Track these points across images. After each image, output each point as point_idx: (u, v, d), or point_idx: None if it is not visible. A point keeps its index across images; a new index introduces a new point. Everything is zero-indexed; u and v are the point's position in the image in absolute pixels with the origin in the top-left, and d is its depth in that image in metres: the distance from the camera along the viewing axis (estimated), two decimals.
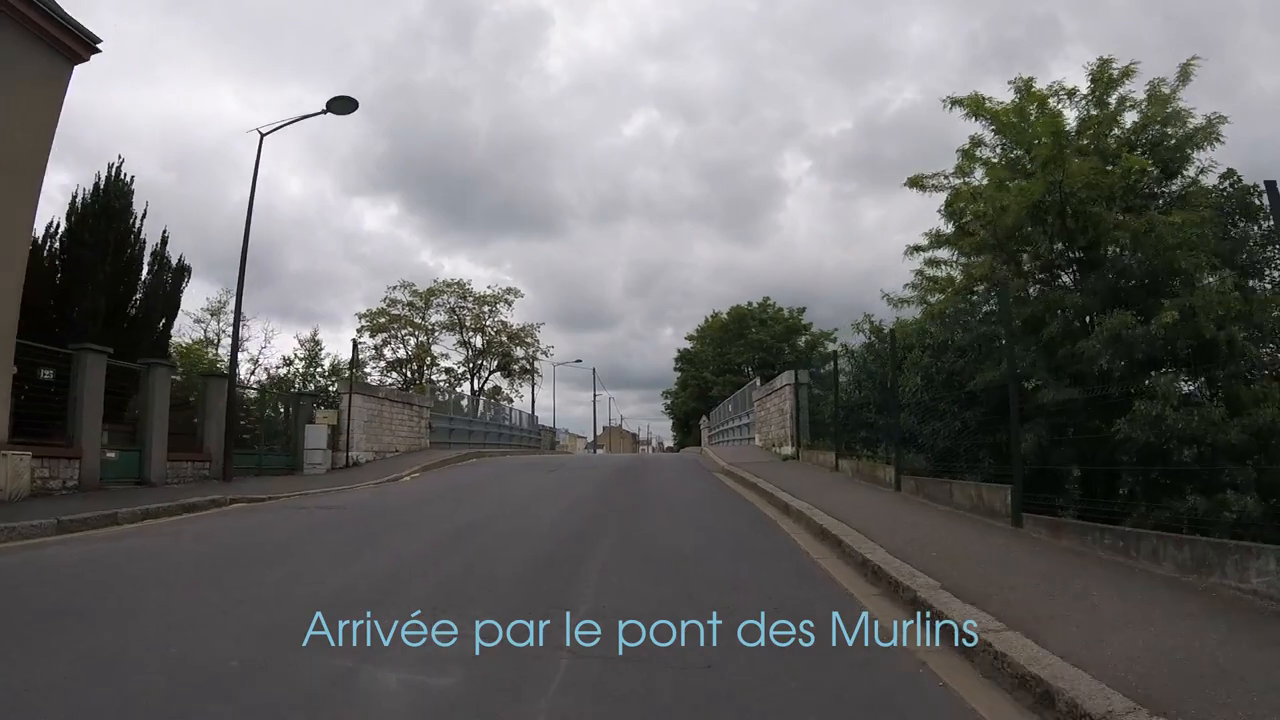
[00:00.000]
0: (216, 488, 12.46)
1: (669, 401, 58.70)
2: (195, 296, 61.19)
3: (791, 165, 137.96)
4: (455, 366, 58.66)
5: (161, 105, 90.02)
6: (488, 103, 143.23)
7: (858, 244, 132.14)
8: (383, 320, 55.28)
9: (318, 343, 23.82)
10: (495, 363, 57.82)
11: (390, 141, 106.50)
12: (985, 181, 11.97)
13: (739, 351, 48.79)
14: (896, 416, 9.92)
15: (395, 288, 55.38)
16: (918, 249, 13.49)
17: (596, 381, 63.63)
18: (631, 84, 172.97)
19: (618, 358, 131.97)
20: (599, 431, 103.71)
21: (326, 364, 32.39)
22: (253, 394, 18.47)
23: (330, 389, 19.79)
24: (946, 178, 13.34)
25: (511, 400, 57.51)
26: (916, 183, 13.36)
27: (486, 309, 57.46)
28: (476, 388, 58.12)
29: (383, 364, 56.58)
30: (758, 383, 21.62)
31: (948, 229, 12.31)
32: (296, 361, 24.55)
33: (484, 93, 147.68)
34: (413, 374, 58.59)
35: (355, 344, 18.95)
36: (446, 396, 32.01)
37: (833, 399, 12.97)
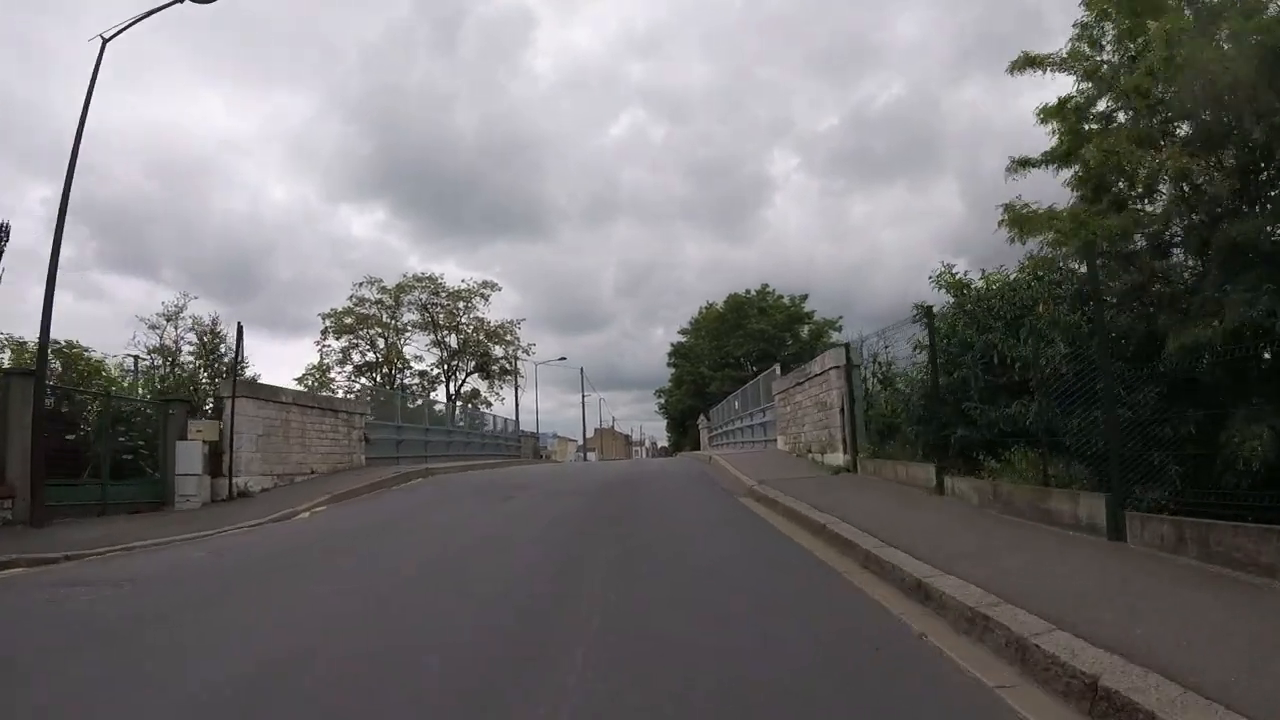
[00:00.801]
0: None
1: (662, 400, 54.10)
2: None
3: (780, 162, 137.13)
4: (429, 369, 54.14)
5: (148, 112, 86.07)
6: (475, 105, 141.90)
7: (846, 239, 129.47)
8: (349, 321, 50.54)
9: (218, 335, 18.67)
10: (472, 363, 53.20)
11: (377, 145, 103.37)
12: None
13: (737, 343, 44.29)
14: (1112, 405, 5.42)
15: (362, 284, 50.64)
16: (1024, 164, 9.42)
17: (585, 382, 59.06)
18: (619, 84, 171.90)
19: (610, 358, 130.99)
20: (590, 434, 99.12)
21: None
22: (111, 398, 13.65)
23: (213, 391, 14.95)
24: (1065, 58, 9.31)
25: (490, 404, 52.87)
26: (1031, 62, 9.28)
27: (461, 305, 52.84)
28: (452, 391, 53.45)
29: (349, 368, 52.10)
30: (778, 371, 17.10)
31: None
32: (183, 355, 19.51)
33: (471, 95, 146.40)
34: (384, 378, 53.86)
35: (240, 328, 14.08)
36: (402, 399, 27.36)
37: (927, 378, 8.42)
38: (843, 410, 11.07)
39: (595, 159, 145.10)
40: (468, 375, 53.66)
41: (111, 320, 70.56)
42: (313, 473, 15.91)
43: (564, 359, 55.47)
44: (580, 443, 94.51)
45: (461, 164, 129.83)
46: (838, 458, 11.20)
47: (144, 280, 67.23)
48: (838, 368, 11.21)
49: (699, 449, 48.20)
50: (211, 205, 69.21)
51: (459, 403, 52.77)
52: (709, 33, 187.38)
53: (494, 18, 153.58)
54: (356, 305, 50.72)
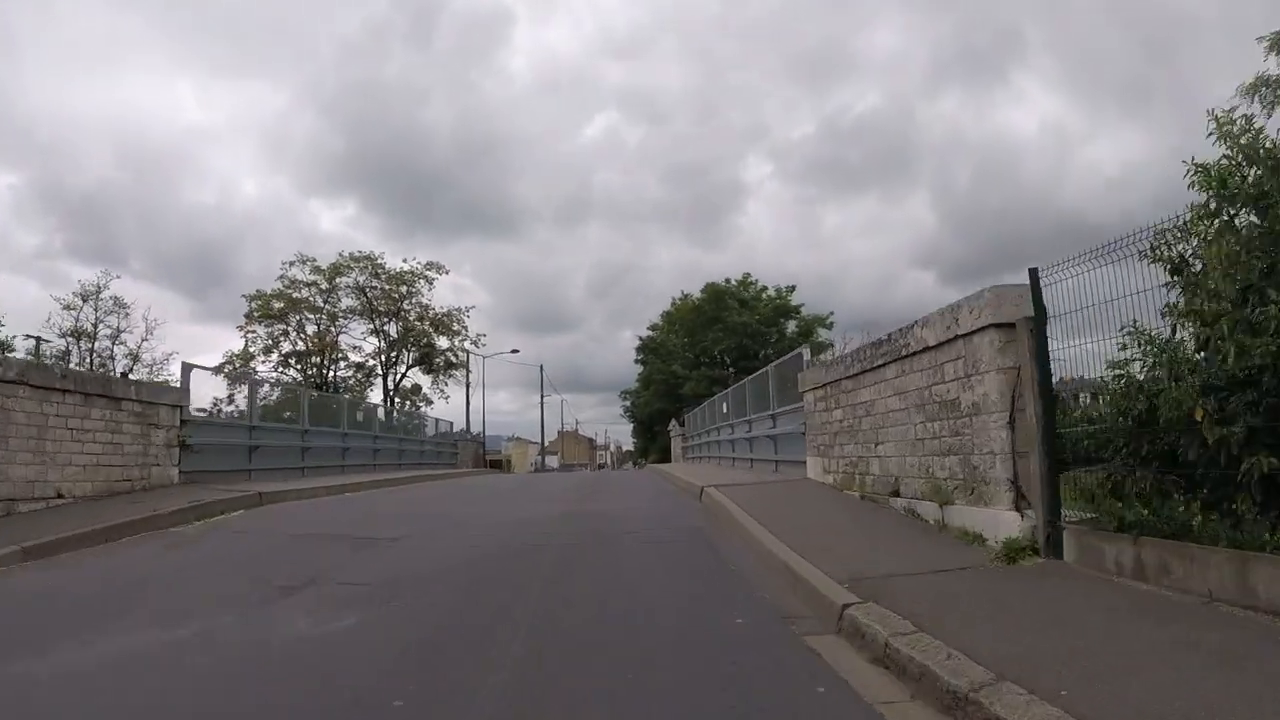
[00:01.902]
0: None
1: (628, 403, 48.12)
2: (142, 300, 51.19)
3: (754, 168, 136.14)
4: (367, 360, 47.39)
5: (117, 102, 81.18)
6: (449, 102, 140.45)
7: (819, 248, 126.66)
8: (279, 306, 43.60)
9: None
10: (413, 354, 46.53)
11: (348, 140, 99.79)
12: None
13: (716, 339, 38.60)
14: None
15: (292, 264, 43.76)
16: None
17: (549, 384, 52.94)
18: (595, 85, 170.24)
19: (577, 361, 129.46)
20: (552, 438, 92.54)
21: None
22: None
23: None
24: None
25: (431, 402, 46.21)
26: None
27: (404, 290, 46.24)
28: (390, 386, 46.69)
29: (276, 358, 45.16)
30: (807, 355, 11.28)
31: None
32: None
33: (445, 92, 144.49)
34: (318, 369, 46.95)
35: None
36: (277, 389, 21.14)
37: None
38: (1011, 419, 5.26)
39: (569, 160, 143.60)
40: (408, 368, 47.05)
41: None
42: (60, 497, 9.63)
43: (516, 351, 49.16)
44: (541, 446, 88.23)
45: (434, 161, 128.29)
46: (992, 519, 5.37)
47: (112, 270, 62.54)
48: (1000, 327, 5.40)
49: (668, 459, 42.33)
50: (181, 196, 65.19)
51: (396, 399, 46.12)
52: (687, 36, 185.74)
53: (471, 15, 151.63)
54: (288, 288, 43.93)
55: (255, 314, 43.03)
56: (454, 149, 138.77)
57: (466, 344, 45.36)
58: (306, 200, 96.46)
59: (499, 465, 62.61)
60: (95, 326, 36.90)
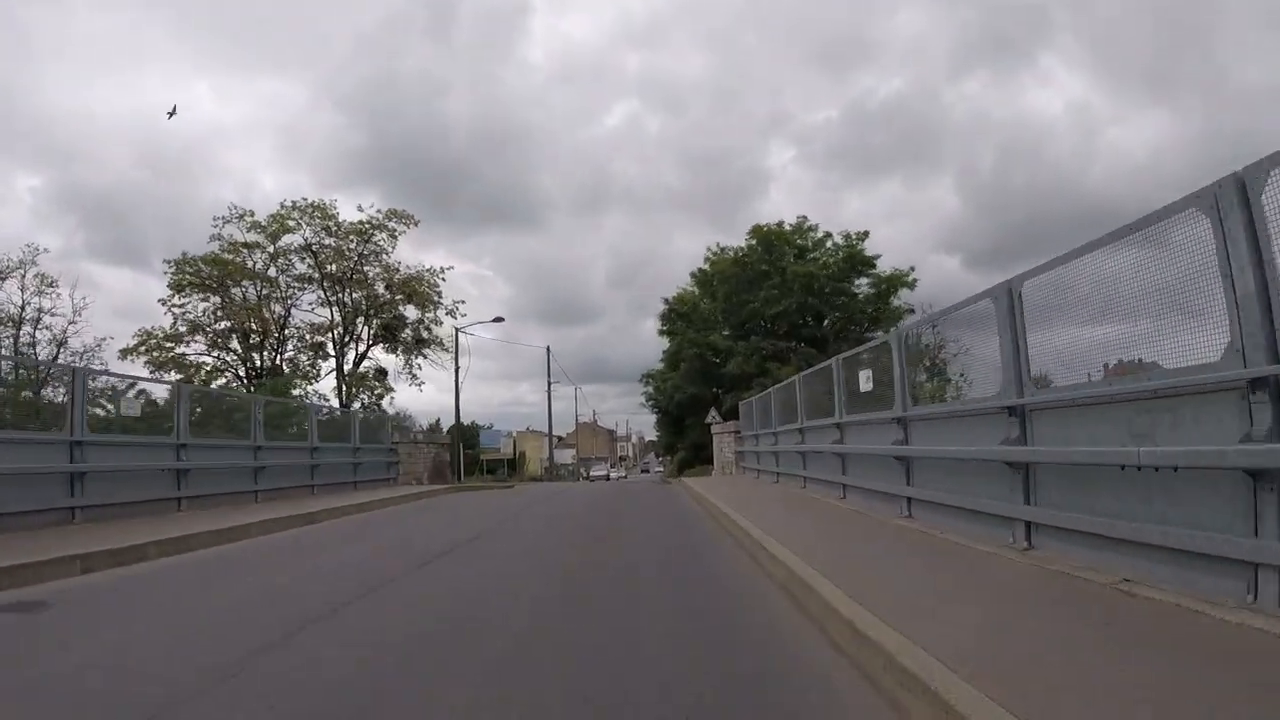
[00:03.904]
0: None
1: (649, 388, 37.99)
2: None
3: (776, 154, 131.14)
4: (313, 336, 37.87)
5: (135, 100, 77.96)
6: (468, 94, 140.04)
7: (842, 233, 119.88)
8: (213, 274, 34.27)
9: None
10: (375, 330, 36.86)
11: (368, 135, 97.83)
12: None
13: (770, 299, 28.42)
14: None
15: (226, 220, 34.34)
16: None
17: (560, 370, 43.46)
18: (614, 75, 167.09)
19: (599, 352, 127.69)
20: (568, 431, 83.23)
21: None
22: None
23: None
24: None
25: (392, 391, 36.62)
26: None
27: (363, 246, 36.60)
28: (346, 369, 37.19)
29: (207, 337, 35.85)
30: None
31: None
32: None
33: (464, 84, 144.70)
34: (270, 350, 37.61)
35: None
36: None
37: None
38: None
39: (589, 150, 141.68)
40: (368, 346, 37.42)
41: (99, 310, 63.89)
42: None
43: (500, 319, 38.90)
44: (561, 440, 78.98)
45: (454, 153, 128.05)
46: None
47: (133, 270, 62.11)
48: None
49: (698, 460, 32.28)
50: (201, 194, 62.48)
51: (350, 387, 36.47)
52: (706, 23, 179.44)
53: (489, 6, 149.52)
54: (225, 251, 34.53)
55: (184, 284, 33.74)
56: (473, 141, 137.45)
57: (441, 314, 35.68)
58: (328, 195, 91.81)
59: (506, 469, 52.95)
60: (22, 310, 28.56)
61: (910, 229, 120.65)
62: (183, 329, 34.26)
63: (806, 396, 11.54)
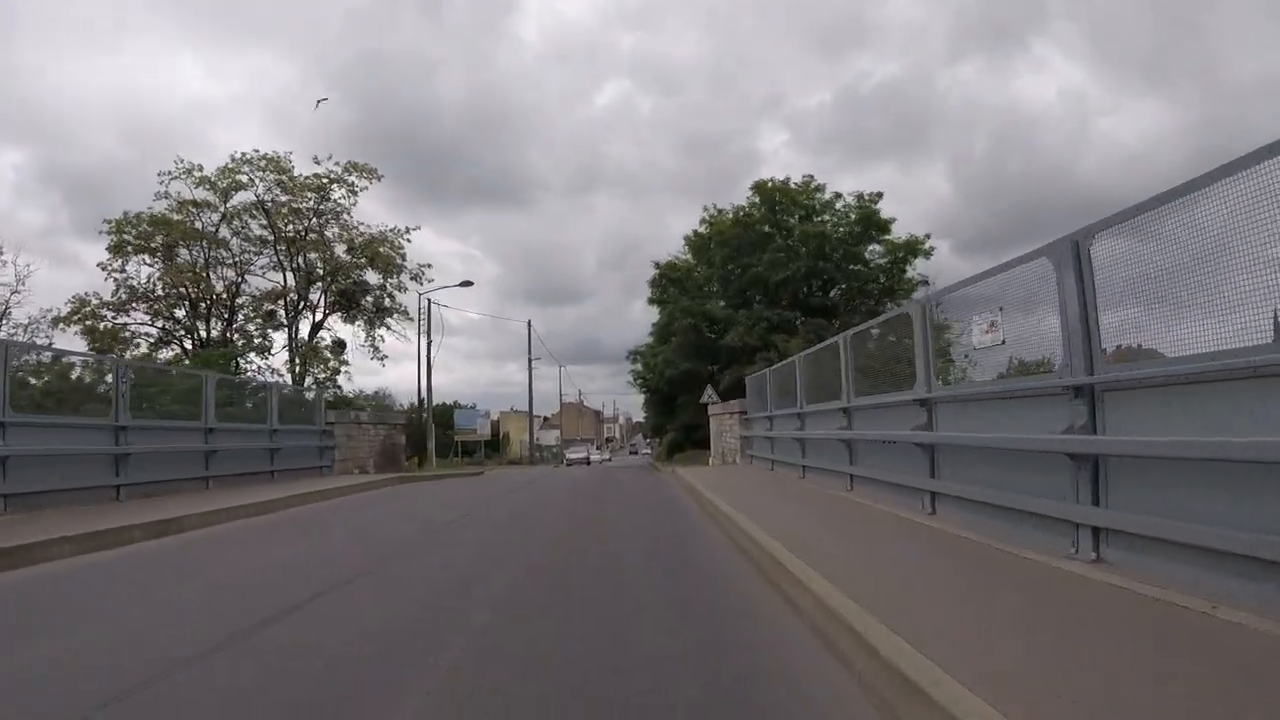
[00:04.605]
0: None
1: (638, 365, 34.62)
2: None
3: (769, 137, 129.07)
4: (278, 307, 34.23)
5: (120, 75, 74.98)
6: (459, 72, 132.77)
7: None
8: (157, 237, 30.54)
9: None
10: (333, 296, 33.19)
11: (358, 112, 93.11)
12: None
13: (775, 263, 25.09)
14: None
15: (173, 176, 30.44)
16: None
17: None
18: (607, 54, 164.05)
19: (589, 333, 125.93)
20: (553, 412, 79.79)
21: None
22: None
23: None
24: None
25: (348, 366, 33.06)
26: None
27: (327, 207, 32.89)
28: (299, 340, 33.57)
29: (149, 305, 32.19)
30: None
31: None
32: None
33: (455, 62, 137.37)
34: (220, 320, 34.00)
35: None
36: None
37: None
38: None
39: (581, 129, 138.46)
40: (325, 315, 33.76)
41: (83, 287, 57.24)
42: None
43: (469, 284, 34.92)
44: (546, 421, 75.89)
45: (444, 132, 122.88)
46: None
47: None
48: None
49: (688, 444, 29.10)
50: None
51: (301, 362, 32.64)
52: (702, 2, 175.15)
53: None
54: (173, 211, 30.67)
55: (128, 247, 29.87)
56: (464, 119, 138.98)
57: (406, 279, 32.09)
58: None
59: (483, 450, 49.50)
60: None
61: (901, 214, 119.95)
62: (124, 296, 30.45)
63: (855, 365, 8.29)
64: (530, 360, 41.75)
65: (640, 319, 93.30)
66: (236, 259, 32.21)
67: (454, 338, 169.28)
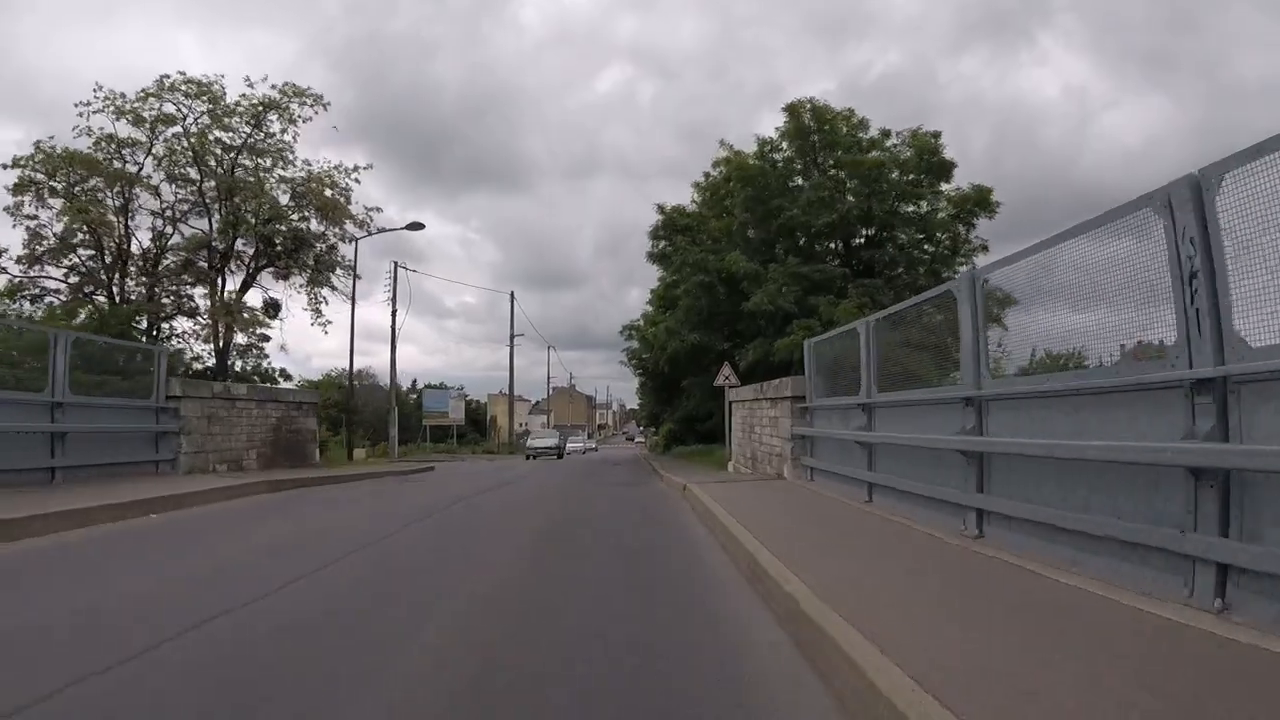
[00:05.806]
0: None
1: (633, 342, 28.62)
2: None
3: (768, 125, 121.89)
4: (196, 257, 28.12)
5: (118, 53, 70.33)
6: (459, 54, 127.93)
7: None
8: (72, 173, 24.24)
9: None
10: (260, 246, 27.15)
11: (357, 92, 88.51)
12: None
13: (820, 201, 19.24)
14: None
15: (92, 108, 23.90)
16: None
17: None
18: (607, 38, 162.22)
19: (585, 319, 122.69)
20: (542, 398, 74.09)
21: None
22: None
23: None
24: None
25: (270, 336, 27.01)
26: None
27: (267, 144, 26.73)
28: (224, 300, 27.58)
29: (46, 248, 26.10)
30: None
31: None
32: None
33: (455, 44, 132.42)
34: (143, 275, 27.98)
35: None
36: None
37: None
38: None
39: (580, 114, 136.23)
40: (257, 270, 27.78)
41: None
42: None
43: (420, 226, 28.46)
44: (536, 406, 70.46)
45: (443, 114, 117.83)
46: None
47: None
48: None
49: (680, 438, 22.75)
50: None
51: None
52: None
53: None
54: (94, 148, 24.41)
55: (28, 183, 23.65)
56: (463, 102, 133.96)
57: (352, 227, 26.03)
58: (315, 153, 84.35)
59: (455, 437, 43.60)
60: None
61: None
62: (39, 249, 24.14)
63: None
64: (512, 335, 35.97)
65: (636, 305, 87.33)
66: (171, 208, 26.02)
67: (450, 320, 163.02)
